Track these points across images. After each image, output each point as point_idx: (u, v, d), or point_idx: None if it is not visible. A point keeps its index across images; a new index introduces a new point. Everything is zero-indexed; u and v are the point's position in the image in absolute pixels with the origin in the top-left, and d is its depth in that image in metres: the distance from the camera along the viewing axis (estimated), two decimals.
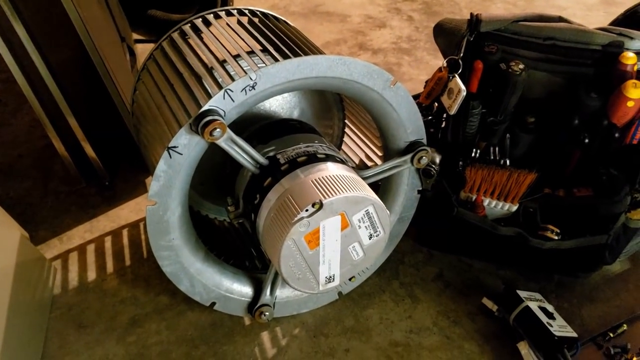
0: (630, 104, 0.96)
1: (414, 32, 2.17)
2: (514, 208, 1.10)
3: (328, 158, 0.92)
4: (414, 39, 2.12)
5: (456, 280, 1.19)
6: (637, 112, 0.99)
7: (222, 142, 0.83)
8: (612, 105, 0.98)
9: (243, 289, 1.05)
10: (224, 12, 1.12)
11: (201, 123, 0.79)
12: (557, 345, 1.00)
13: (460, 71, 1.03)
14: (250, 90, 0.82)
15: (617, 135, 1.00)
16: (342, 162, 0.94)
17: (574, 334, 1.04)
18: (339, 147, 1.26)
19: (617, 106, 0.98)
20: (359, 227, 0.88)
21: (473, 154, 1.09)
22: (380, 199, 0.93)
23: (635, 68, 1.01)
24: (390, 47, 2.05)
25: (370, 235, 0.90)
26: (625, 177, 1.03)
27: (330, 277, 0.92)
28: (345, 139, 1.26)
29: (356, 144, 1.23)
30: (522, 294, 1.08)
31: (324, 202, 0.81)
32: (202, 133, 0.79)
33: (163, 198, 0.87)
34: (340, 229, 0.86)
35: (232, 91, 0.80)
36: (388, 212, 0.92)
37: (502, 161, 1.08)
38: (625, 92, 0.95)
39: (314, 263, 0.88)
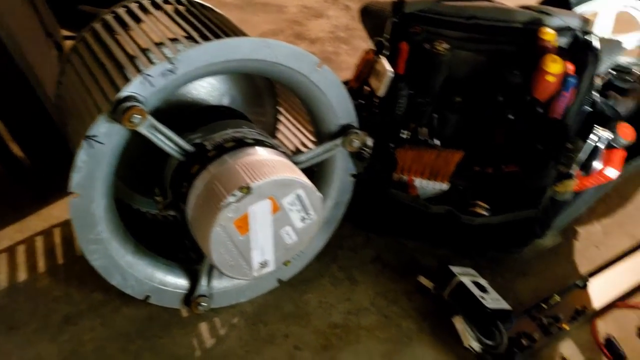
0: (550, 78, 0.99)
1: (351, 21, 2.18)
2: (445, 187, 1.11)
3: (257, 143, 0.92)
4: (351, 27, 2.13)
5: (393, 261, 1.21)
6: (559, 87, 1.02)
7: (143, 129, 0.81)
8: (534, 81, 1.01)
9: (178, 281, 1.04)
10: (148, 1, 1.10)
11: (119, 109, 0.77)
12: (490, 318, 1.02)
13: (387, 53, 1.04)
14: (170, 75, 0.80)
15: (540, 110, 1.03)
16: (272, 147, 0.94)
17: (508, 307, 1.07)
18: (273, 134, 1.25)
19: (538, 81, 1.00)
20: (290, 210, 0.88)
21: (403, 136, 1.10)
22: (316, 184, 0.94)
23: (556, 44, 1.04)
24: (328, 37, 2.05)
25: (303, 218, 0.90)
26: (550, 151, 1.06)
27: (264, 262, 0.91)
28: (280, 126, 1.25)
29: (290, 131, 1.23)
30: (456, 269, 1.10)
31: (251, 185, 0.81)
32: (121, 120, 0.77)
33: (86, 190, 0.84)
34: (270, 213, 0.86)
35: (151, 76, 0.79)
36: (320, 194, 0.92)
37: (431, 141, 1.09)
38: (545, 67, 0.98)
39: (245, 249, 0.87)
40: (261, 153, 0.88)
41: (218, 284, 1.07)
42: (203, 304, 1.05)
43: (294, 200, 0.87)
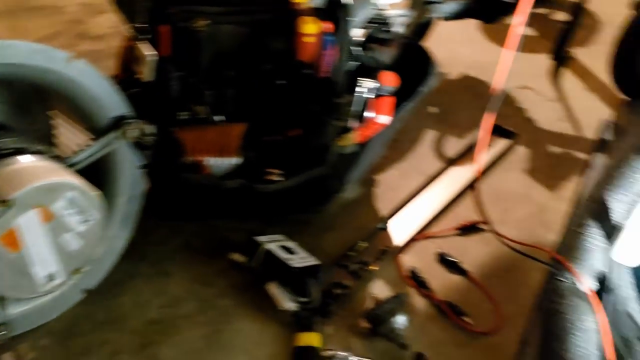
0: (308, 39, 1.03)
1: None
2: (237, 161, 1.12)
3: (17, 152, 0.86)
4: None
5: (203, 244, 1.21)
6: (320, 47, 1.06)
7: None
8: (295, 45, 1.04)
9: None
10: None
11: None
12: (299, 276, 1.05)
13: (147, 37, 1.01)
14: None
15: (307, 71, 1.07)
16: (37, 153, 0.88)
17: (316, 262, 1.11)
18: (50, 140, 1.17)
19: (298, 44, 1.04)
20: (66, 215, 0.84)
21: (184, 117, 1.08)
22: (103, 181, 0.90)
23: (311, 6, 1.07)
24: (113, 32, 1.96)
25: (84, 220, 0.86)
26: (324, 110, 1.10)
27: (50, 275, 0.86)
28: (57, 130, 1.18)
29: (68, 133, 1.16)
30: (262, 238, 1.12)
31: (10, 198, 0.76)
32: None
33: None
34: (41, 222, 0.81)
35: None
36: (95, 193, 0.88)
37: (212, 119, 1.09)
38: (301, 30, 1.02)
39: (23, 265, 0.82)
40: (20, 161, 0.83)
41: (15, 309, 0.99)
42: (2, 332, 0.97)
43: (67, 204, 0.83)
